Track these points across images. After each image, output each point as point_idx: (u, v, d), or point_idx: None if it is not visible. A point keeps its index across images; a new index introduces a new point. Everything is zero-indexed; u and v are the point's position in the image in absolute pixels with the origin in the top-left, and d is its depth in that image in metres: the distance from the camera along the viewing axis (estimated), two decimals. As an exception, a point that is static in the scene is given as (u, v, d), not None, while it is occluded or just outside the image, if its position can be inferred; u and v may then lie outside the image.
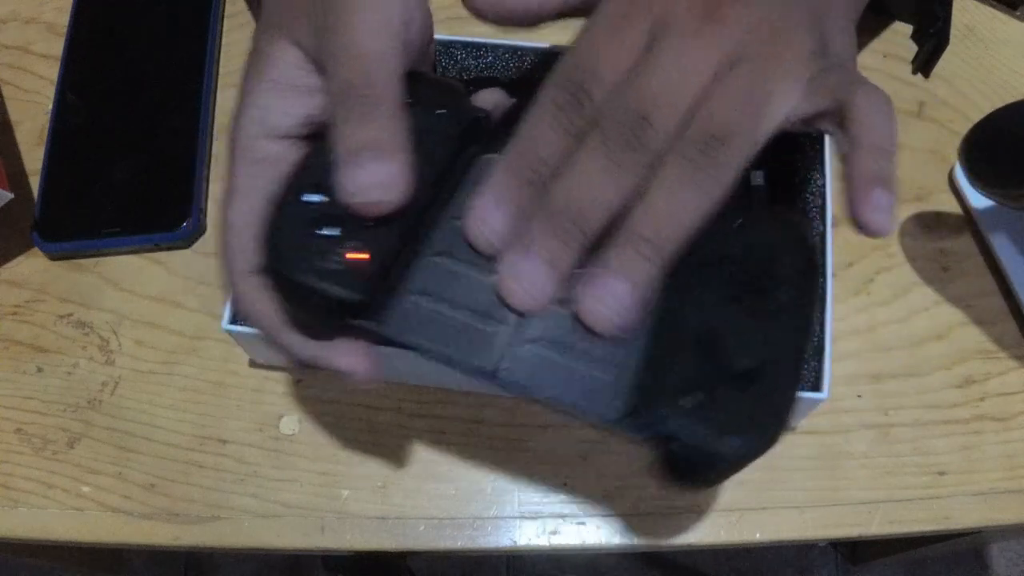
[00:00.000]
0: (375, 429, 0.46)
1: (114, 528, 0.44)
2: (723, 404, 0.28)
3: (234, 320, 0.42)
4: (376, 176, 0.30)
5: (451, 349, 0.30)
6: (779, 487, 0.44)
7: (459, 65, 0.47)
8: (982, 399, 0.45)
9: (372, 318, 0.30)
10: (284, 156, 0.33)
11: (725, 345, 0.29)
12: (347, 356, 0.33)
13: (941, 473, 0.44)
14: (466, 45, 0.47)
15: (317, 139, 0.32)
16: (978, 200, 0.48)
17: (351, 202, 0.29)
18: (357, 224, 0.30)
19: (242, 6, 0.56)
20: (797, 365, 0.30)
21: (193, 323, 0.48)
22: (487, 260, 0.30)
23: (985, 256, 0.49)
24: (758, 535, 0.43)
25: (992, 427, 0.45)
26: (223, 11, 0.56)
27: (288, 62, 0.33)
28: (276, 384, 0.47)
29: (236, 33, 0.55)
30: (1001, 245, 0.47)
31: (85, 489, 0.44)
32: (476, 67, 0.47)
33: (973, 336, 0.47)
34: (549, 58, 0.47)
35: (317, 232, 0.30)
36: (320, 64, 0.32)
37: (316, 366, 0.33)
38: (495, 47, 0.47)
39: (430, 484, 0.44)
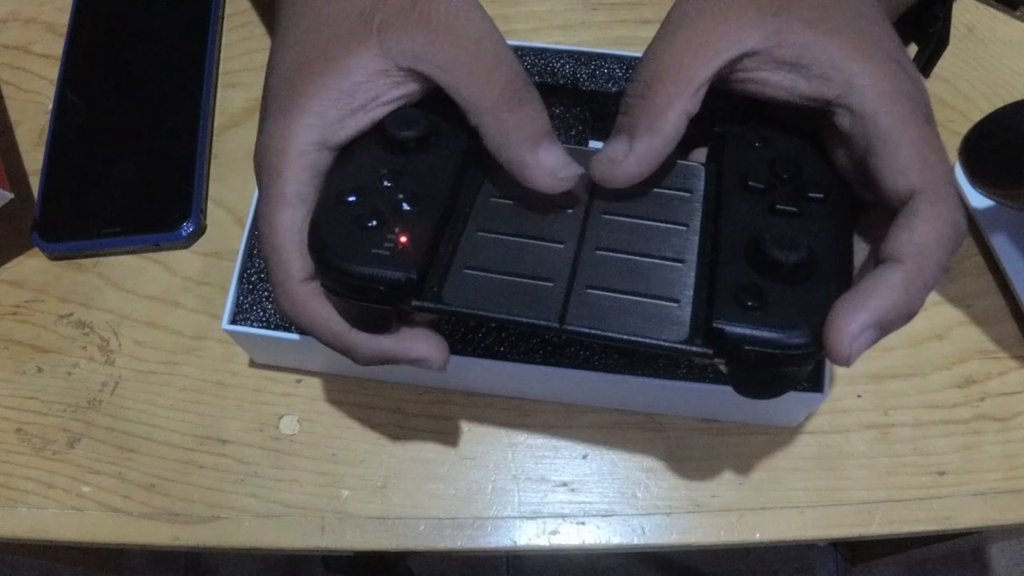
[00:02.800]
0: (375, 429, 0.46)
1: (114, 528, 0.44)
2: (778, 300, 0.29)
3: (234, 320, 0.42)
4: None
5: (513, 311, 0.31)
6: (779, 487, 0.44)
7: (459, 65, 0.47)
8: (982, 399, 0.45)
9: (432, 299, 0.31)
10: (329, 165, 0.34)
11: (770, 249, 0.30)
12: (420, 344, 0.33)
13: (941, 473, 0.44)
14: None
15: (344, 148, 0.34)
16: (978, 200, 0.48)
17: None
18: (394, 214, 0.32)
19: (242, 6, 0.56)
20: (843, 253, 0.31)
21: (193, 323, 0.48)
22: (527, 228, 0.33)
23: (985, 256, 0.49)
24: (758, 535, 0.43)
25: (992, 427, 0.45)
26: (223, 11, 0.56)
27: (368, 71, 0.33)
28: (276, 384, 0.46)
29: (236, 33, 0.55)
30: (1001, 245, 0.47)
31: (85, 489, 0.44)
32: (476, 67, 0.47)
33: (973, 336, 0.47)
34: (549, 58, 0.47)
35: (362, 226, 0.31)
36: (439, 78, 0.32)
37: (387, 362, 0.34)
38: (495, 47, 0.47)
39: (430, 484, 0.44)
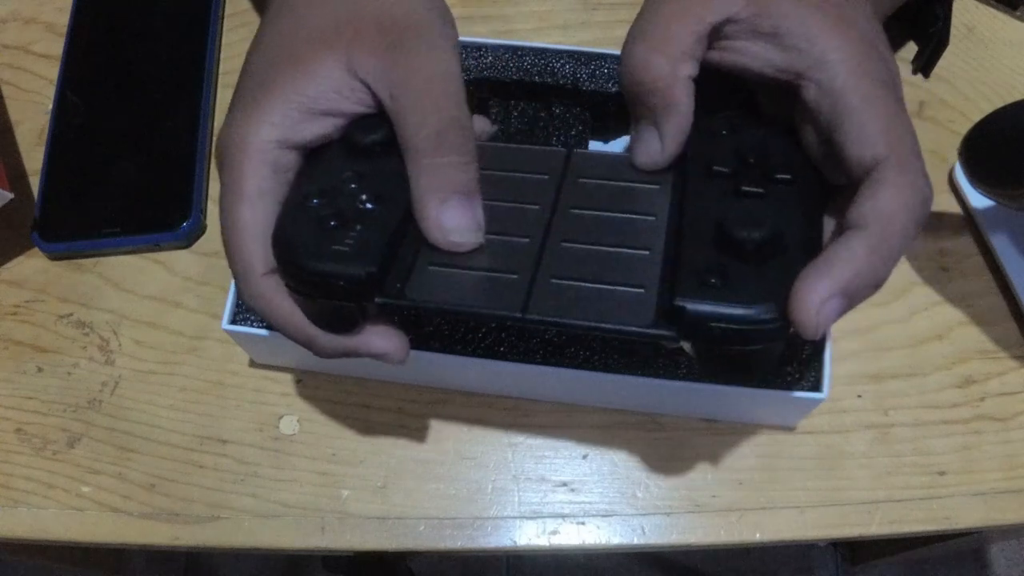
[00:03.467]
0: (375, 429, 0.46)
1: (114, 528, 0.44)
2: (742, 278, 0.29)
3: (234, 320, 0.42)
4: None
5: (475, 304, 0.31)
6: (779, 487, 0.44)
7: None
8: (982, 399, 0.45)
9: (395, 295, 0.32)
10: (292, 165, 0.34)
11: (733, 228, 0.30)
12: (380, 339, 0.34)
13: (941, 473, 0.44)
14: (466, 45, 0.47)
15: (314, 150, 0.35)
16: (978, 200, 0.48)
17: None
18: (356, 213, 0.32)
19: (242, 6, 0.56)
20: (812, 232, 0.31)
21: (193, 323, 0.48)
22: (491, 225, 0.33)
23: (985, 256, 0.49)
24: (758, 535, 0.43)
25: (992, 427, 0.45)
26: (223, 11, 0.56)
27: (333, 80, 0.33)
28: (276, 384, 0.46)
29: (236, 33, 0.55)
30: (1001, 245, 0.47)
31: (85, 489, 0.44)
32: (476, 67, 0.47)
33: (973, 336, 0.47)
34: (549, 58, 0.47)
35: (323, 226, 0.32)
36: (389, 105, 0.33)
37: (347, 355, 0.34)
38: (495, 47, 0.47)
39: (430, 484, 0.44)
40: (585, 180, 0.36)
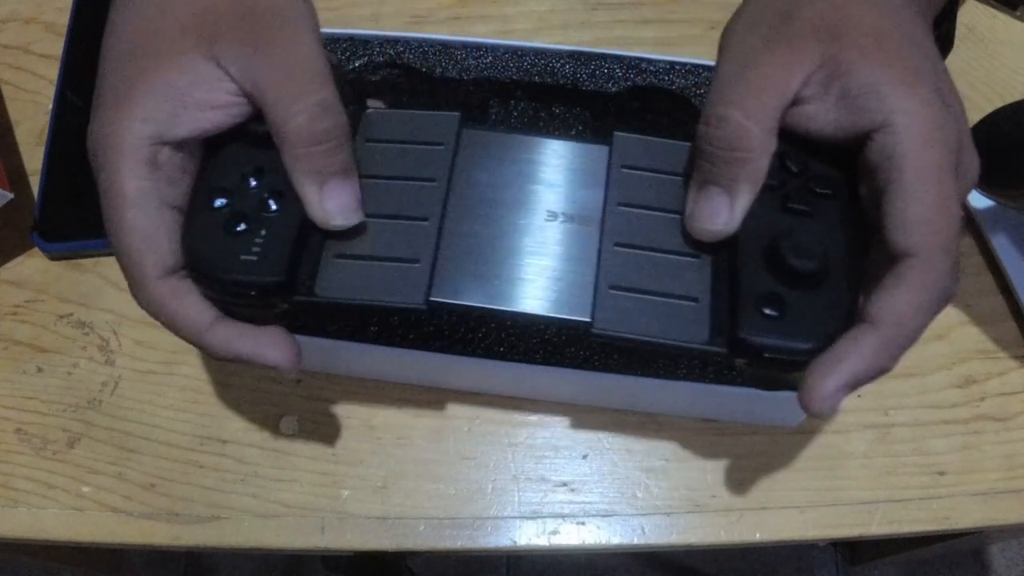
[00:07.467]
0: (375, 429, 0.46)
1: (114, 528, 0.44)
2: (797, 310, 0.31)
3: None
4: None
5: (381, 296, 0.33)
6: (779, 487, 0.44)
7: (459, 65, 0.47)
8: (982, 399, 0.45)
9: (305, 293, 0.33)
10: (175, 161, 0.33)
11: (786, 250, 0.31)
12: (270, 350, 0.34)
13: (941, 473, 0.44)
14: (466, 45, 0.47)
15: (211, 147, 0.34)
16: (978, 200, 0.48)
17: None
18: (261, 216, 0.33)
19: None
20: (853, 253, 0.32)
21: (193, 323, 0.48)
22: (388, 208, 0.34)
23: (985, 256, 0.49)
24: (758, 535, 0.43)
25: (992, 427, 0.45)
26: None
27: (200, 72, 0.32)
28: (276, 384, 0.46)
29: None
30: (1001, 245, 0.47)
31: (85, 489, 0.44)
32: (476, 67, 0.47)
33: (973, 336, 0.47)
34: (549, 58, 0.47)
35: (230, 231, 0.32)
36: (254, 95, 0.32)
37: (241, 362, 0.34)
38: (495, 47, 0.47)
39: (430, 484, 0.44)
40: (630, 170, 0.36)
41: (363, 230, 0.34)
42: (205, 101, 0.32)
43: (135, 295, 0.33)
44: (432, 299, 0.33)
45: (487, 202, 0.35)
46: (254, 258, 0.32)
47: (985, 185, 0.43)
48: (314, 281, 0.33)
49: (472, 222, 0.35)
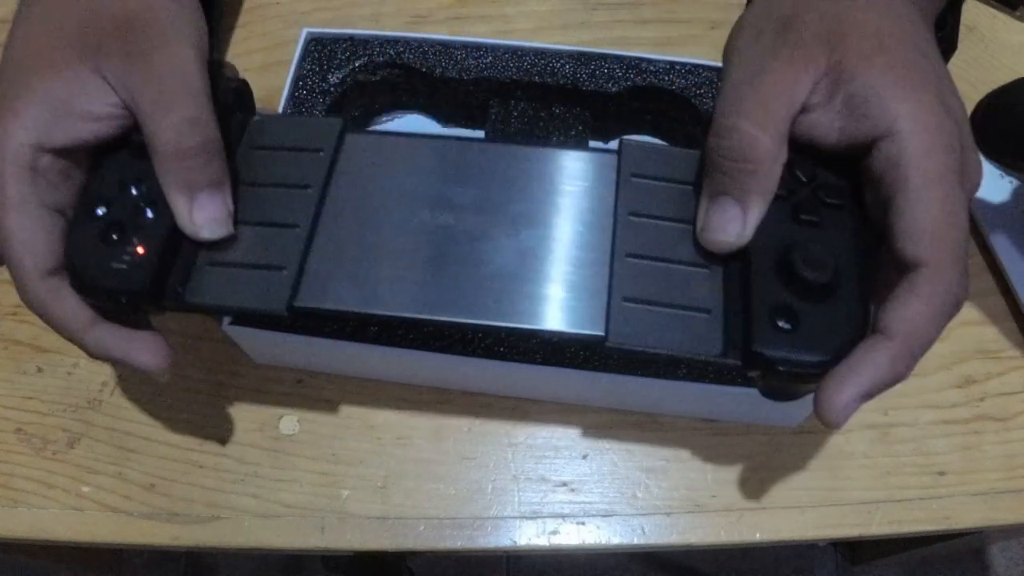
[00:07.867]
0: (375, 429, 0.46)
1: (114, 528, 0.44)
2: (810, 322, 0.31)
3: (234, 320, 0.42)
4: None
5: (246, 302, 0.34)
6: (779, 487, 0.44)
7: (459, 65, 0.47)
8: (982, 399, 0.45)
9: (175, 299, 0.34)
10: (59, 168, 0.34)
11: (798, 262, 0.31)
12: (143, 354, 0.35)
13: (941, 473, 0.44)
14: (466, 45, 0.47)
15: (97, 155, 0.35)
16: (979, 200, 0.48)
17: None
18: (135, 225, 0.34)
19: (242, 5, 0.56)
20: (862, 263, 0.32)
21: (193, 323, 0.48)
22: (259, 215, 0.35)
23: (985, 256, 0.49)
24: (758, 535, 0.43)
25: (992, 427, 0.45)
26: (223, 10, 0.56)
27: (83, 82, 0.33)
28: (276, 384, 0.46)
29: (235, 33, 0.55)
30: (1001, 245, 0.47)
31: (85, 489, 0.44)
32: (476, 67, 0.47)
33: (973, 336, 0.47)
34: (549, 58, 0.47)
35: (106, 240, 0.33)
36: (131, 107, 0.33)
37: (115, 363, 0.36)
38: (495, 47, 0.47)
39: (430, 484, 0.44)
40: (639, 179, 0.36)
41: (236, 238, 0.35)
42: (86, 112, 0.33)
43: (19, 294, 0.35)
44: (296, 305, 0.34)
45: (366, 207, 0.36)
46: (124, 266, 0.33)
47: (996, 155, 0.43)
48: (185, 288, 0.34)
49: (349, 227, 0.35)
